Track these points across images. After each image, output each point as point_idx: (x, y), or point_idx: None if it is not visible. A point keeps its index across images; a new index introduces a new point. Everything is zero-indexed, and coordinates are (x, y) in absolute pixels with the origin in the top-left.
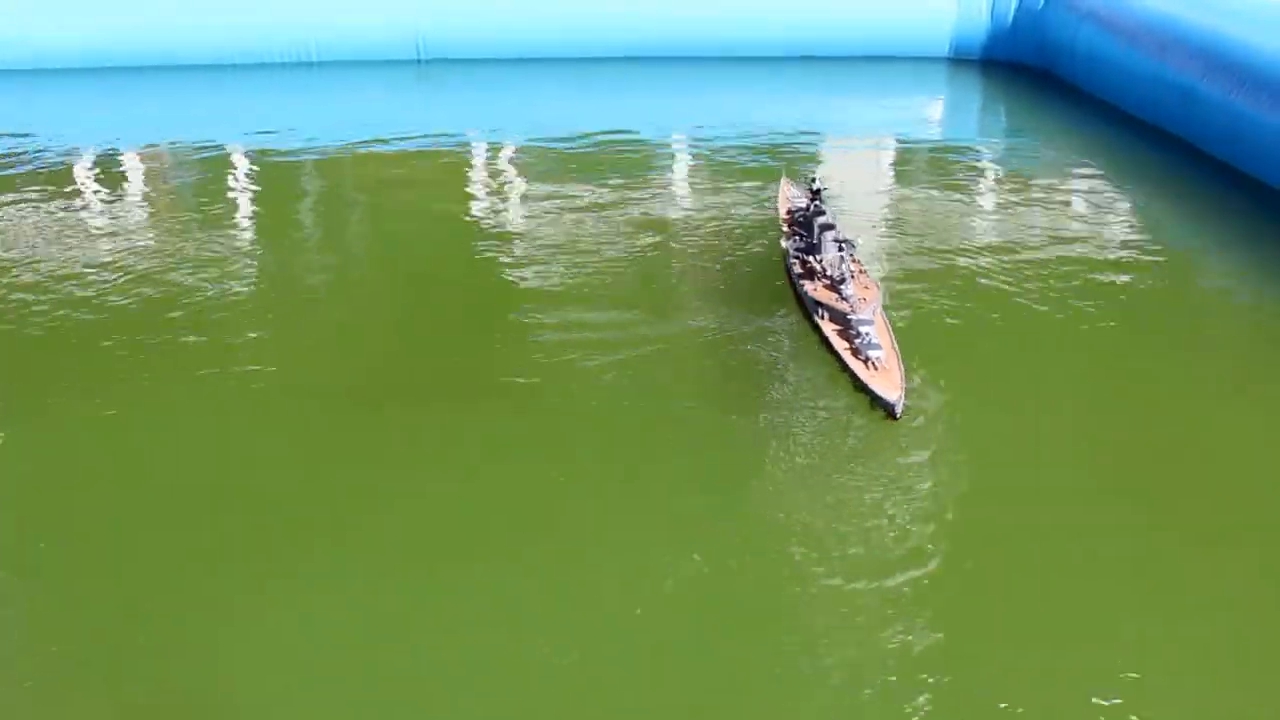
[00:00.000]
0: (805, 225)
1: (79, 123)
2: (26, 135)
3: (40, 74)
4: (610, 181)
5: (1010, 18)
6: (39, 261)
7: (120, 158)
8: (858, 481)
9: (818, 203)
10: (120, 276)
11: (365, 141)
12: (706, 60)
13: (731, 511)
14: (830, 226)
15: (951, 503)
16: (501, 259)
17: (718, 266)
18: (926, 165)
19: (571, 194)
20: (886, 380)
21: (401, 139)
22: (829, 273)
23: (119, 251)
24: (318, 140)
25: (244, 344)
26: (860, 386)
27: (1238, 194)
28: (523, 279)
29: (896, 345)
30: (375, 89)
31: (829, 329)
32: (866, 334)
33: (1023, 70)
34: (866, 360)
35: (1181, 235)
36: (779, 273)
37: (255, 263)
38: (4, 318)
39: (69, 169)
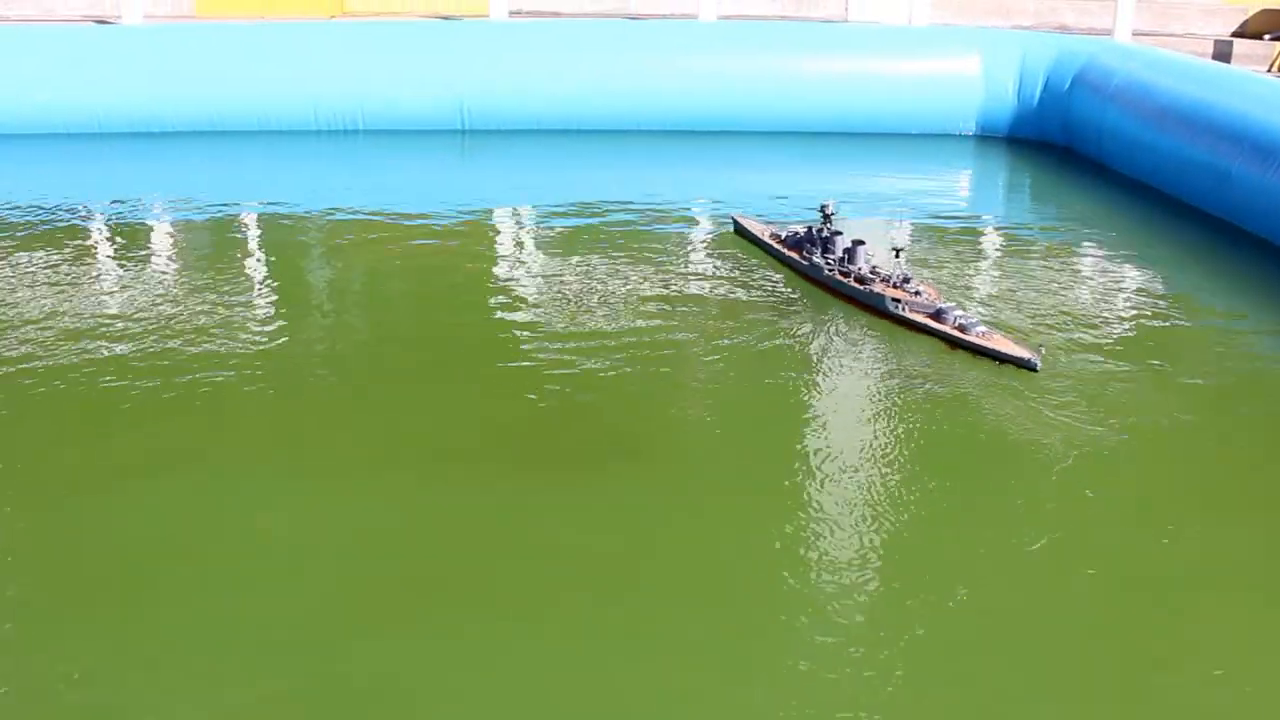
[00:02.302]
0: (825, 243)
1: (129, 186)
2: (77, 196)
3: (95, 137)
4: (643, 247)
5: (1036, 98)
6: (102, 327)
7: (168, 221)
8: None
9: (830, 225)
10: (165, 340)
11: (410, 214)
12: (743, 134)
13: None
14: (861, 241)
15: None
16: (547, 322)
17: (746, 297)
18: (954, 234)
19: (607, 260)
20: (1007, 344)
21: (442, 207)
22: (888, 276)
23: (172, 315)
24: (359, 206)
25: (315, 407)
26: (987, 353)
27: (1256, 257)
28: (595, 340)
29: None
30: (418, 158)
31: (918, 318)
32: (961, 315)
33: (1047, 148)
34: (978, 334)
35: (1210, 295)
36: (791, 294)
37: (299, 330)
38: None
39: (121, 231)
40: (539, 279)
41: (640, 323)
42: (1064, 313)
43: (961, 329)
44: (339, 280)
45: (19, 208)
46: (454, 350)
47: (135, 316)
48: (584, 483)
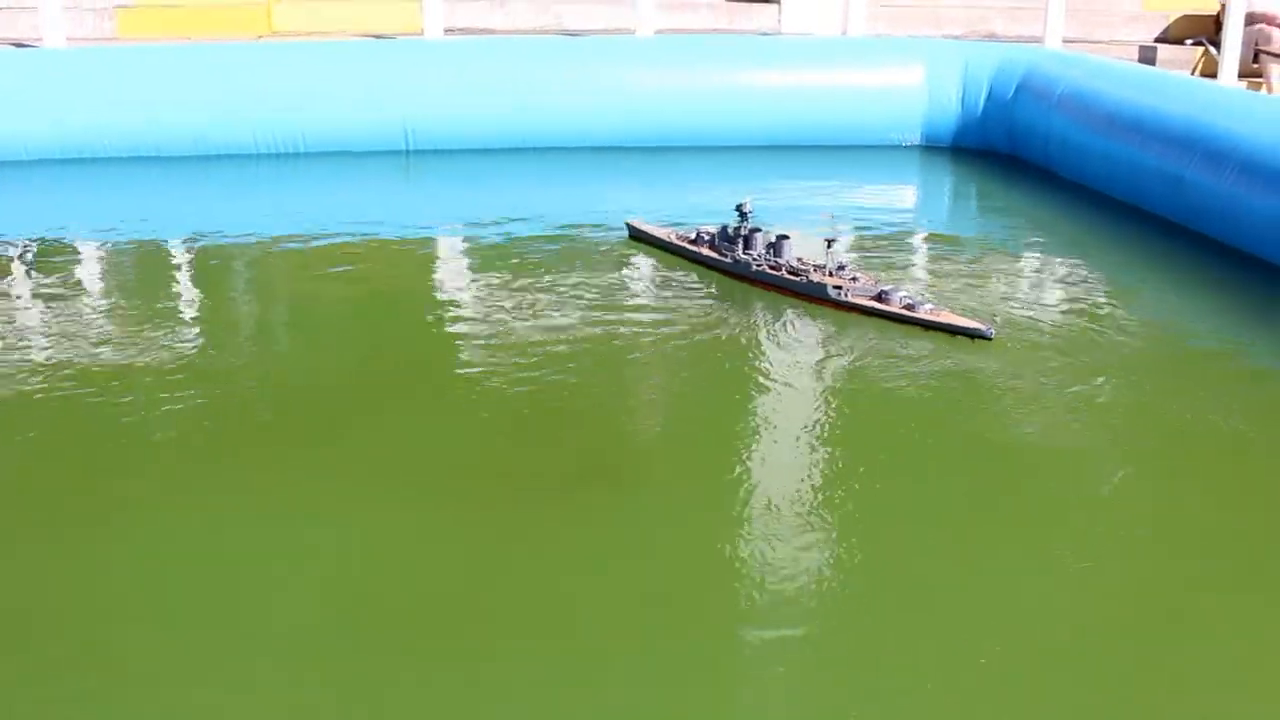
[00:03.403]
0: (745, 240)
1: (54, 215)
2: (10, 229)
3: (19, 165)
4: (581, 260)
5: (980, 107)
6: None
7: (96, 252)
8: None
9: (747, 222)
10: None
11: (352, 237)
12: (687, 149)
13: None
14: (786, 236)
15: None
16: (494, 342)
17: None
18: (900, 241)
19: (544, 275)
20: (957, 318)
21: (384, 229)
22: (821, 265)
23: (137, 347)
24: (300, 231)
25: (263, 441)
26: (940, 327)
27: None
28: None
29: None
30: (360, 180)
31: (862, 301)
32: (905, 295)
33: (992, 156)
34: (926, 310)
35: (1159, 298)
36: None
37: (240, 361)
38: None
39: (65, 260)
40: (482, 299)
41: (585, 332)
42: (1021, 309)
43: (909, 307)
44: (280, 308)
45: None
46: (404, 376)
47: (62, 353)
48: (559, 512)
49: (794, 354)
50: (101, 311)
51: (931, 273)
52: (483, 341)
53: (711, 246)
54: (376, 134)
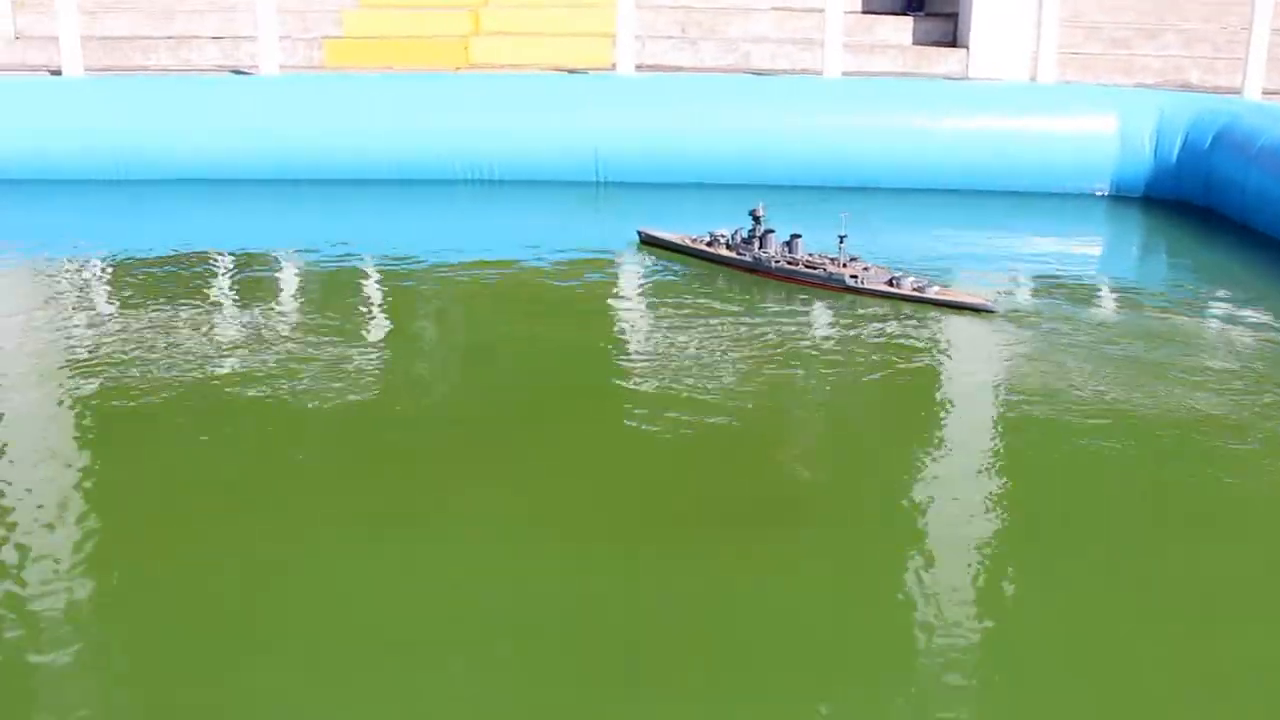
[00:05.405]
0: (761, 240)
1: (267, 232)
2: (213, 241)
3: (228, 184)
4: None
5: (1174, 158)
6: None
7: (297, 268)
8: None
9: (760, 225)
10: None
11: (540, 258)
12: (872, 190)
13: None
14: (798, 235)
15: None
16: (653, 372)
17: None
18: (1082, 293)
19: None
20: (964, 295)
21: (563, 256)
22: (834, 258)
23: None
24: (485, 256)
25: (433, 465)
26: (951, 304)
27: None
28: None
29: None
30: (551, 207)
31: (879, 286)
32: (915, 278)
33: (1185, 208)
34: (935, 291)
35: None
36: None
37: (411, 382)
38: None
39: (266, 274)
40: (656, 327)
41: (745, 356)
42: (1201, 360)
43: (919, 289)
44: (457, 331)
45: (156, 252)
46: (574, 405)
47: (246, 362)
48: (732, 548)
49: (945, 364)
50: (290, 325)
51: (1104, 324)
52: (654, 371)
53: (729, 247)
54: (569, 164)
